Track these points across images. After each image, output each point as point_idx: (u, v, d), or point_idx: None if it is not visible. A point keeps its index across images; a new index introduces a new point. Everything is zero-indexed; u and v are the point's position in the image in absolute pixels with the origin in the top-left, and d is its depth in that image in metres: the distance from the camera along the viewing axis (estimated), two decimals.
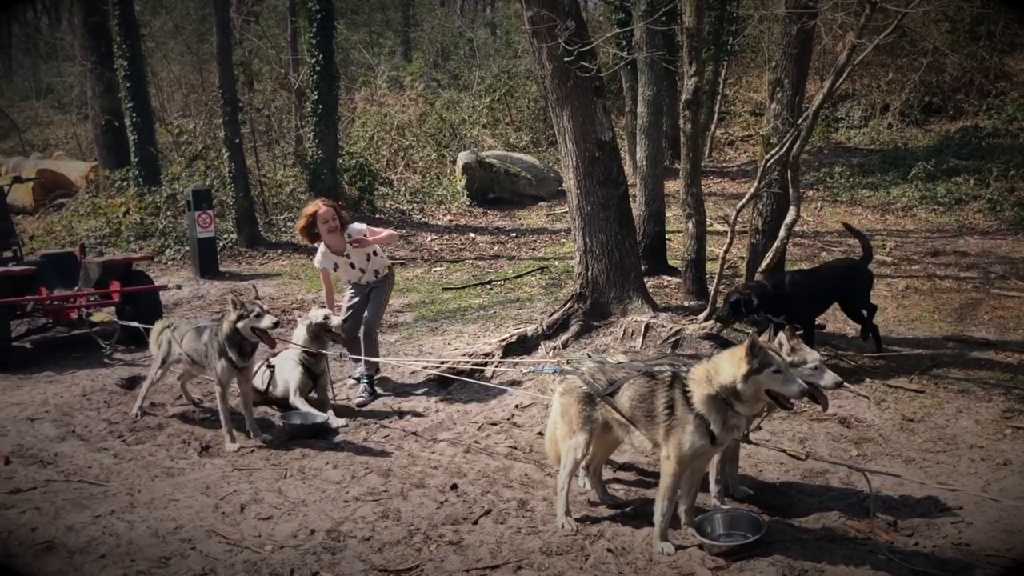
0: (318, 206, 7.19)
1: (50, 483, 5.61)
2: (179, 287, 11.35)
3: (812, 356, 4.65)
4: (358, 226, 7.33)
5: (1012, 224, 13.18)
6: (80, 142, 23.15)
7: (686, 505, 4.68)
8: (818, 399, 4.60)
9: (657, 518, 4.51)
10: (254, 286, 6.72)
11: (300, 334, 6.95)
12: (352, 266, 7.33)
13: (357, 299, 7.45)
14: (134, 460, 6.03)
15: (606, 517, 4.93)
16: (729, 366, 4.29)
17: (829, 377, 4.59)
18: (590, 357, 5.08)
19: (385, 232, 7.47)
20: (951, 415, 6.44)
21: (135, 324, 8.04)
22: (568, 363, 5.19)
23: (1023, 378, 7.16)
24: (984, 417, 6.39)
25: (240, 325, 6.13)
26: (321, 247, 7.31)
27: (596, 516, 4.95)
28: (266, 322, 6.13)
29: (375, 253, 7.38)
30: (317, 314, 6.92)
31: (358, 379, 7.45)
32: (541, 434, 6.17)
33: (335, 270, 7.36)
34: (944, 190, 14.88)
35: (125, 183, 16.92)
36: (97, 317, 9.27)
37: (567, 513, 4.82)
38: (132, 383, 7.68)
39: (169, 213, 15.29)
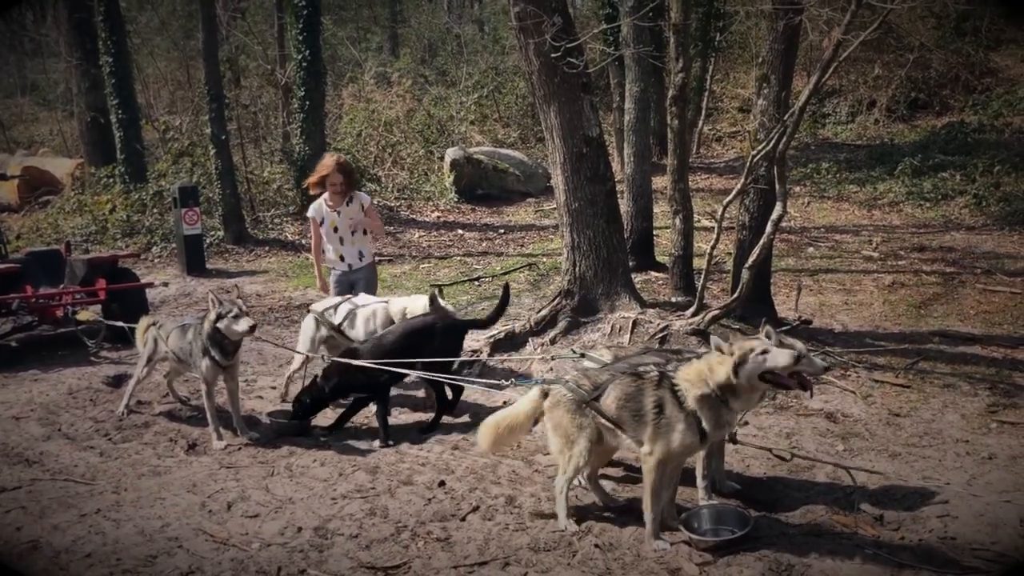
0: (331, 168, 7.41)
1: (36, 482, 5.58)
2: (166, 285, 11.31)
3: (798, 346, 4.73)
4: (365, 196, 7.67)
5: (997, 219, 13.25)
6: (66, 139, 23.02)
7: (666, 499, 4.69)
8: (805, 386, 4.67)
9: (648, 517, 4.52)
10: (237, 285, 6.70)
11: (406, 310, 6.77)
12: (336, 229, 7.50)
13: (340, 292, 7.49)
14: (120, 458, 6.00)
15: (594, 513, 4.93)
16: (720, 365, 4.31)
17: (817, 363, 4.71)
18: (575, 352, 5.08)
19: (379, 223, 7.85)
20: (937, 410, 6.48)
21: (121, 323, 8.00)
22: (552, 364, 5.19)
23: (1008, 372, 7.21)
24: (970, 411, 6.42)
25: (220, 324, 6.09)
26: (321, 198, 7.57)
27: (584, 512, 4.95)
28: (242, 325, 6.01)
29: (364, 232, 7.59)
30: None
31: None
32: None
33: (321, 224, 7.52)
34: (930, 185, 14.95)
35: (111, 180, 16.84)
36: (83, 315, 9.21)
37: (569, 516, 4.79)
38: (118, 381, 7.65)
39: (155, 210, 15.23)
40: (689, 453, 4.55)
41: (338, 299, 7.22)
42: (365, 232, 7.59)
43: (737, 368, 4.23)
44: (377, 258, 7.86)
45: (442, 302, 6.68)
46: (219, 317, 6.05)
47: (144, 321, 7.13)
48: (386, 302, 7.05)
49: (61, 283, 9.24)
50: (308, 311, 7.27)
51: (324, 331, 6.95)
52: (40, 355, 8.73)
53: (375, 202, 16.38)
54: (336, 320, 6.96)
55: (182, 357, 6.51)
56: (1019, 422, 6.19)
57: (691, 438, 4.36)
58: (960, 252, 11.63)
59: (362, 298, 7.19)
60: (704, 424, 4.34)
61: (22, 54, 32.50)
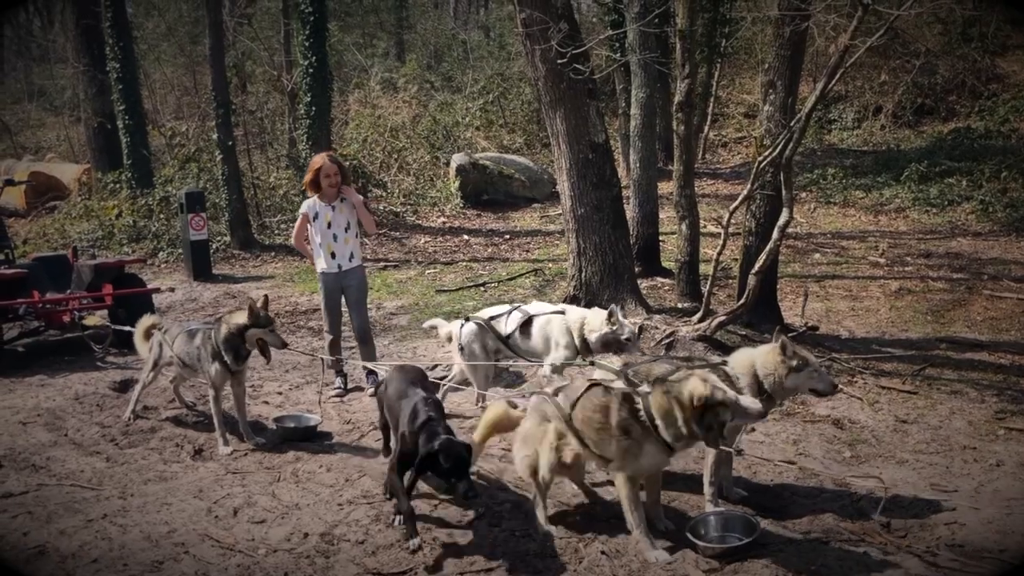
0: (323, 161, 7.33)
1: (42, 487, 5.58)
2: (172, 290, 11.32)
3: (811, 359, 4.76)
4: (355, 194, 7.50)
5: (1004, 225, 13.23)
6: (72, 144, 23.08)
7: (651, 502, 4.74)
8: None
9: (633, 532, 4.53)
10: (247, 294, 6.68)
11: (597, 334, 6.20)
12: (329, 225, 7.33)
13: (332, 296, 7.47)
14: (127, 464, 6.00)
15: (600, 520, 4.92)
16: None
17: (828, 382, 4.80)
18: (592, 363, 5.10)
19: (369, 216, 7.60)
20: (944, 416, 6.46)
21: (128, 328, 8.00)
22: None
23: (1016, 379, 7.19)
24: (977, 418, 6.40)
25: (249, 333, 6.11)
26: (315, 196, 7.42)
27: (590, 519, 4.94)
28: (278, 342, 6.19)
29: (356, 236, 7.48)
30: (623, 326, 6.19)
31: (341, 387, 7.54)
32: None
33: (314, 219, 7.36)
34: (937, 191, 14.92)
35: (118, 186, 16.89)
36: (90, 320, 9.24)
37: (548, 521, 4.81)
38: (125, 386, 7.66)
39: (162, 216, 15.26)
40: (658, 467, 4.55)
41: (505, 307, 6.84)
42: (357, 235, 7.52)
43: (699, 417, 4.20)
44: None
45: (620, 317, 6.20)
46: (251, 326, 6.08)
47: (145, 319, 7.12)
48: (563, 312, 6.58)
49: (68, 288, 9.26)
50: (467, 320, 6.76)
51: (490, 342, 6.61)
52: (47, 360, 8.75)
53: (380, 207, 16.50)
54: (507, 330, 6.61)
55: (188, 362, 6.50)
56: None
57: (659, 455, 4.35)
58: (967, 258, 11.60)
59: (535, 306, 6.79)
60: (666, 437, 4.29)
61: (29, 60, 32.66)
